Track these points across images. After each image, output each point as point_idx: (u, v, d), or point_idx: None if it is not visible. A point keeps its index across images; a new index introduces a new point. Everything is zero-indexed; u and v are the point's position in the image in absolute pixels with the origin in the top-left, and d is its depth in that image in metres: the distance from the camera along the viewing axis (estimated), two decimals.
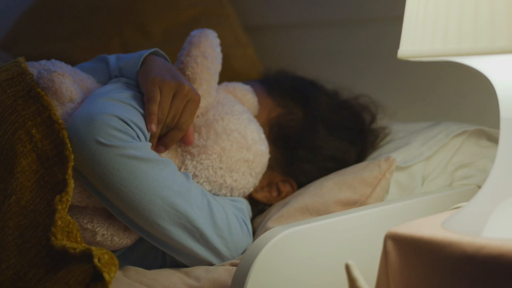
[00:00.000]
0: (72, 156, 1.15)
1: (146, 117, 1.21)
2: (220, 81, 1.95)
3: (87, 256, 1.06)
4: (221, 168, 1.31)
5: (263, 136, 1.38)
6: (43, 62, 1.30)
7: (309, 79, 1.57)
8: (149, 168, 1.18)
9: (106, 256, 1.06)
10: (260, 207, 1.44)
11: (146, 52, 1.31)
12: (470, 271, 0.94)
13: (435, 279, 0.97)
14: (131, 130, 1.18)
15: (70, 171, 1.14)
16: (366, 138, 1.52)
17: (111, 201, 1.19)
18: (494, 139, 1.45)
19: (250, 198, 1.44)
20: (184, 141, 1.29)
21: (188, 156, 1.30)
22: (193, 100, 1.26)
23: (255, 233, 1.36)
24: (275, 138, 1.45)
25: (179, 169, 1.29)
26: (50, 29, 2.03)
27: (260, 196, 1.43)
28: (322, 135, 1.47)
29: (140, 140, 1.19)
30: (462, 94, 1.71)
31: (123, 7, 2.00)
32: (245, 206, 1.35)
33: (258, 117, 1.46)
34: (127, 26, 1.97)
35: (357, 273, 0.97)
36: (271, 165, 1.42)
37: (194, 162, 1.30)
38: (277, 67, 1.65)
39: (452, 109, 1.73)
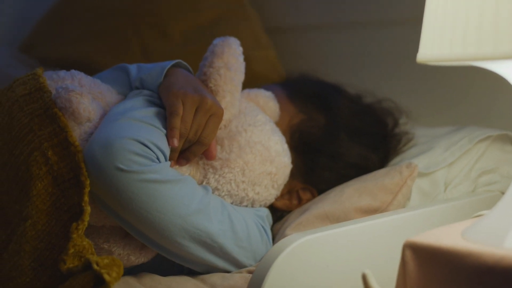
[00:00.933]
0: (88, 182, 1.13)
1: (168, 131, 1.19)
2: (242, 85, 1.95)
3: (88, 265, 1.07)
4: (243, 181, 1.29)
5: (286, 146, 1.36)
6: (62, 73, 1.28)
7: (332, 84, 1.55)
8: (168, 189, 1.16)
9: (106, 260, 1.07)
10: (279, 213, 1.42)
11: (168, 64, 1.29)
12: (490, 282, 0.91)
13: None
14: (151, 152, 1.16)
15: (86, 198, 1.12)
16: (388, 144, 1.49)
17: (130, 223, 1.18)
18: None
19: (270, 205, 1.42)
20: (207, 156, 1.26)
21: (211, 170, 1.28)
22: (216, 114, 1.23)
23: (274, 240, 1.34)
24: (296, 145, 1.43)
25: (201, 183, 1.27)
26: (69, 32, 2.03)
27: (280, 203, 1.41)
28: (344, 142, 1.44)
29: (160, 161, 1.17)
30: (486, 98, 1.68)
31: (142, 9, 1.99)
32: (266, 214, 1.34)
33: (279, 123, 1.43)
34: (146, 28, 1.96)
35: (373, 283, 0.95)
36: (292, 173, 1.40)
37: (217, 176, 1.27)
38: (299, 70, 1.63)
39: (476, 114, 1.69)
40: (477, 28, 0.90)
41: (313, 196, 1.43)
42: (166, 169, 1.17)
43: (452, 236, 1.01)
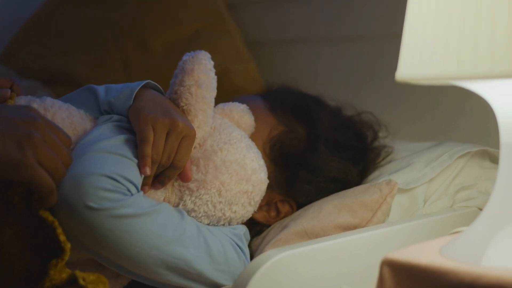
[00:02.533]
0: (56, 222, 1.10)
1: (140, 160, 1.17)
2: (221, 96, 1.94)
3: (73, 281, 1.06)
4: (220, 202, 1.27)
5: (262, 162, 1.35)
6: (36, 103, 1.23)
7: (313, 96, 1.54)
8: (142, 222, 1.14)
9: (92, 277, 1.06)
10: (258, 228, 1.41)
11: (137, 86, 1.26)
12: None
13: None
14: (121, 186, 1.14)
15: (62, 237, 1.09)
16: (368, 157, 1.49)
17: (106, 257, 1.16)
18: (497, 160, 1.42)
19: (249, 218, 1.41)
20: (182, 178, 1.25)
21: (187, 192, 1.26)
22: (188, 136, 1.22)
23: (252, 256, 1.33)
24: (276, 157, 1.42)
25: (177, 205, 1.26)
26: (49, 43, 2.02)
27: (259, 216, 1.40)
28: (324, 155, 1.44)
29: (132, 193, 1.15)
30: (464, 112, 1.69)
31: (123, 22, 1.99)
32: (244, 231, 1.33)
33: (259, 134, 1.42)
34: (127, 41, 1.96)
35: None
36: (270, 185, 1.39)
37: (193, 198, 1.26)
38: (279, 82, 1.62)
39: (454, 128, 1.71)
40: (457, 48, 0.91)
41: (292, 209, 1.43)
42: (138, 202, 1.15)
43: (430, 253, 1.01)
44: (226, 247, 1.24)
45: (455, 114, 1.71)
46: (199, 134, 1.26)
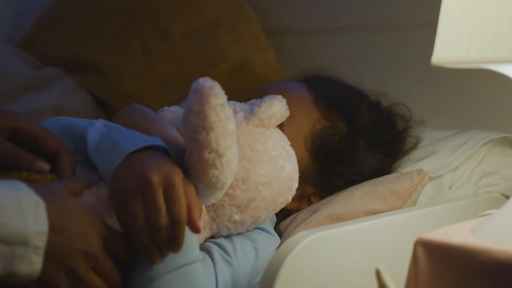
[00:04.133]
0: None
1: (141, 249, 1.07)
2: (241, 85, 1.95)
3: None
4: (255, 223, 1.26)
5: (297, 174, 1.29)
6: None
7: (355, 89, 1.53)
8: None
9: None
10: (287, 211, 1.43)
11: (117, 161, 1.09)
12: (502, 278, 0.93)
13: (466, 286, 0.97)
14: None
15: None
16: (400, 151, 1.50)
17: None
18: None
19: None
20: (191, 228, 1.06)
21: (225, 229, 1.23)
22: (171, 183, 1.04)
23: (282, 238, 1.35)
24: (315, 153, 1.42)
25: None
26: (69, 30, 2.04)
27: (290, 205, 1.42)
28: (362, 152, 1.44)
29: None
30: (489, 102, 1.71)
31: (143, 9, 2.00)
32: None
33: (302, 128, 1.42)
34: (147, 28, 1.98)
35: (387, 279, 0.97)
36: (305, 178, 1.40)
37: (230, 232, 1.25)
38: (301, 72, 1.61)
39: (477, 117, 1.72)
40: (495, 31, 0.93)
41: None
42: None
43: (463, 233, 1.03)
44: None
45: (482, 104, 1.73)
46: (228, 174, 1.08)
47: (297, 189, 1.34)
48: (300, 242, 1.10)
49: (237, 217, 1.21)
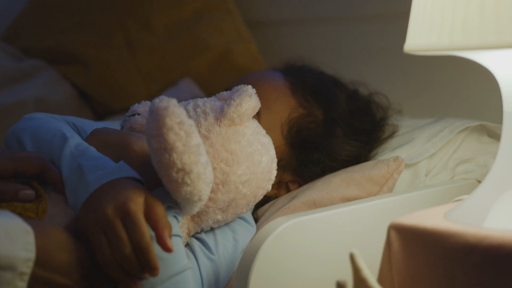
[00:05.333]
0: None
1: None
2: (224, 76, 1.97)
3: None
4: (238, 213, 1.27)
5: (272, 152, 1.28)
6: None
7: (333, 77, 1.54)
8: None
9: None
10: (265, 198, 1.44)
11: (81, 200, 1.11)
12: (473, 261, 0.95)
13: (438, 269, 0.99)
14: None
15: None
16: (378, 138, 1.52)
17: None
18: (495, 135, 1.46)
19: None
20: (162, 247, 1.08)
21: (216, 225, 1.24)
22: (127, 213, 1.06)
23: (259, 223, 1.37)
24: (292, 140, 1.44)
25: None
26: (53, 22, 2.04)
27: (269, 193, 1.43)
28: (339, 139, 1.45)
29: None
30: (463, 89, 1.73)
31: (126, 1, 2.01)
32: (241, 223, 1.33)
33: (279, 116, 1.43)
34: (130, 20, 1.99)
35: (361, 262, 0.98)
36: (283, 166, 1.42)
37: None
38: (281, 63, 1.63)
39: (453, 104, 1.74)
40: (464, 19, 0.94)
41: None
42: None
43: (435, 217, 1.05)
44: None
45: (455, 92, 1.75)
46: (202, 187, 1.09)
47: (275, 176, 1.36)
48: (276, 229, 1.11)
49: (219, 217, 1.22)
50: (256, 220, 1.38)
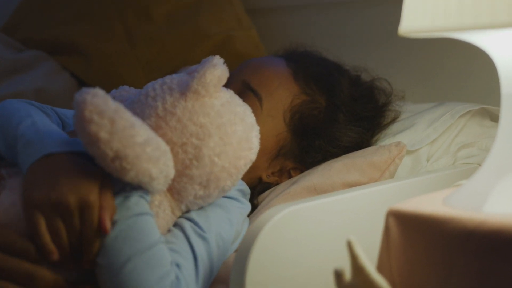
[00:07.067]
0: None
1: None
2: (226, 64, 1.95)
3: None
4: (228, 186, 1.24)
5: (251, 119, 1.24)
6: None
7: (335, 63, 1.53)
8: None
9: None
10: (267, 185, 1.43)
11: (31, 159, 1.12)
12: (471, 246, 0.94)
13: (436, 255, 0.98)
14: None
15: None
16: (380, 124, 1.50)
17: None
18: (497, 119, 1.45)
19: (259, 181, 1.44)
20: (99, 228, 1.10)
21: (195, 207, 1.22)
22: (86, 207, 1.08)
23: (256, 208, 1.36)
24: (294, 127, 1.43)
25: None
26: (53, 13, 2.03)
27: (271, 180, 1.43)
28: (341, 126, 1.44)
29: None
30: (465, 74, 1.71)
31: None
32: (244, 186, 1.32)
33: (281, 103, 1.42)
34: (129, 10, 1.97)
35: (358, 250, 0.97)
36: (285, 153, 1.41)
37: (201, 205, 1.23)
38: (283, 49, 1.61)
39: (456, 89, 1.72)
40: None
41: None
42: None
43: (434, 203, 1.04)
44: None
45: (458, 77, 1.73)
46: (146, 167, 1.09)
47: (277, 163, 1.35)
48: (274, 216, 1.10)
49: (201, 192, 1.19)
50: (256, 206, 1.37)
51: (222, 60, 1.18)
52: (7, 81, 1.85)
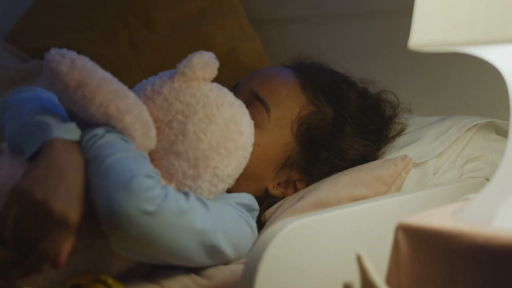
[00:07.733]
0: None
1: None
2: (229, 75, 1.95)
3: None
4: (220, 180, 1.25)
5: (243, 110, 1.28)
6: None
7: (343, 76, 1.53)
8: (192, 215, 1.15)
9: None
10: (273, 199, 1.43)
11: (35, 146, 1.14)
12: (481, 261, 0.93)
13: (446, 269, 0.97)
14: (156, 178, 1.13)
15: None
16: (386, 138, 1.50)
17: (152, 255, 1.15)
18: (503, 133, 1.45)
19: (266, 192, 1.43)
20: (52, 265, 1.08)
21: (186, 189, 1.22)
22: (61, 223, 1.08)
23: (264, 225, 1.36)
24: (302, 138, 1.43)
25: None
26: (56, 22, 2.03)
27: (277, 192, 1.43)
28: (348, 138, 1.44)
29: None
30: (471, 87, 1.71)
31: None
32: (250, 201, 1.32)
33: (289, 113, 1.42)
34: (133, 18, 1.97)
35: (368, 264, 0.97)
36: (291, 164, 1.41)
37: (193, 190, 1.23)
38: (289, 59, 1.61)
39: (462, 102, 1.72)
40: (469, 14, 0.93)
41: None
42: (174, 193, 1.14)
43: (443, 217, 1.03)
44: (243, 228, 1.25)
45: (464, 89, 1.73)
46: (105, 95, 1.15)
47: (283, 174, 1.35)
48: (282, 229, 1.10)
49: (190, 172, 1.21)
50: (264, 222, 1.37)
51: (211, 54, 1.25)
52: (12, 90, 1.85)
